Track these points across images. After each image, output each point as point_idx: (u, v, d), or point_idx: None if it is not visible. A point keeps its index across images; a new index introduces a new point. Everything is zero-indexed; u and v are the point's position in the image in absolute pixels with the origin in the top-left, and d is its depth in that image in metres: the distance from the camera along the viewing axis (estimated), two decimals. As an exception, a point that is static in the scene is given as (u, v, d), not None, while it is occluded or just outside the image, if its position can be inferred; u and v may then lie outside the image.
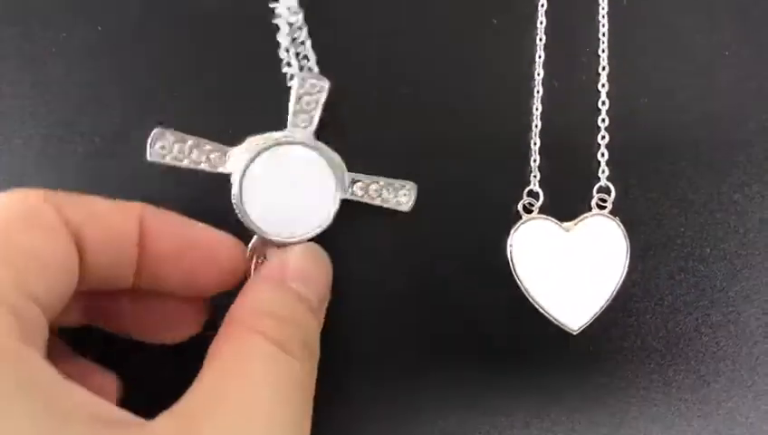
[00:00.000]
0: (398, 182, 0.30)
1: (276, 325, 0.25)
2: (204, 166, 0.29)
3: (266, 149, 0.29)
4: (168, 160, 0.28)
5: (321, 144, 0.29)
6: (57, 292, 0.23)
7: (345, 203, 0.29)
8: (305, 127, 0.29)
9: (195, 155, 0.29)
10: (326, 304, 0.28)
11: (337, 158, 0.29)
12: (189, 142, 0.29)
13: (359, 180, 0.30)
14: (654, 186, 0.31)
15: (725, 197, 0.32)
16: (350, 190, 0.30)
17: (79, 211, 0.24)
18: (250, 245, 0.29)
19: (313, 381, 0.25)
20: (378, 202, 0.30)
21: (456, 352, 0.31)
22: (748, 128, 0.32)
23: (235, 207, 0.28)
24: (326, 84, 0.29)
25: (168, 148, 0.28)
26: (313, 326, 0.27)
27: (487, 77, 0.32)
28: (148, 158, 0.28)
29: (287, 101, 0.29)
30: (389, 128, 0.31)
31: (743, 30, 0.32)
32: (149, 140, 0.28)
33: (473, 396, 0.31)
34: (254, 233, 0.29)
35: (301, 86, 0.29)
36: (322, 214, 0.29)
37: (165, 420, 0.21)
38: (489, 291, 0.31)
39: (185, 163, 0.29)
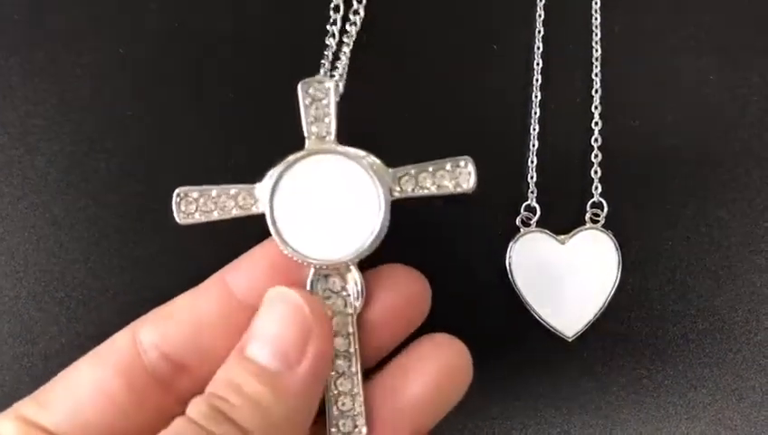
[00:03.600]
0: (449, 161, 0.25)
1: (206, 410, 0.22)
2: (235, 212, 0.26)
3: (287, 169, 0.25)
4: (198, 218, 0.26)
5: (348, 148, 0.26)
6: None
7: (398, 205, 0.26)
8: (325, 137, 0.26)
9: (222, 204, 0.26)
10: (307, 364, 0.23)
11: (372, 158, 0.26)
12: (214, 192, 0.26)
13: (403, 174, 0.26)
14: (644, 202, 0.33)
15: (711, 212, 0.33)
16: (396, 189, 0.25)
17: (153, 332, 0.26)
18: (308, 280, 0.26)
19: None
20: (434, 191, 0.25)
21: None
22: (732, 148, 0.33)
23: (275, 239, 0.25)
24: (330, 84, 0.26)
25: (194, 205, 0.26)
26: (266, 397, 0.22)
27: (488, 99, 0.33)
28: (179, 221, 0.26)
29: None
30: (392, 150, 0.33)
31: (727, 56, 0.33)
32: (174, 203, 0.26)
33: (470, 400, 0.32)
34: (303, 263, 0.26)
35: (305, 93, 0.26)
36: (373, 223, 0.25)
37: None
38: (489, 300, 0.33)
39: (216, 215, 0.26)
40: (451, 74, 0.33)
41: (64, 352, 0.32)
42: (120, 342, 0.26)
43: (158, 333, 0.26)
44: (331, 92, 0.26)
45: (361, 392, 0.26)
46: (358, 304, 0.26)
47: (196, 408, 0.23)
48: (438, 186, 0.25)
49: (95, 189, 0.33)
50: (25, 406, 0.25)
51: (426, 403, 0.25)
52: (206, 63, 0.33)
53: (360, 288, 0.26)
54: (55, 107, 0.33)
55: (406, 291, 0.26)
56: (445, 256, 0.32)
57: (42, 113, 0.33)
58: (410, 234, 0.31)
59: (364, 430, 0.26)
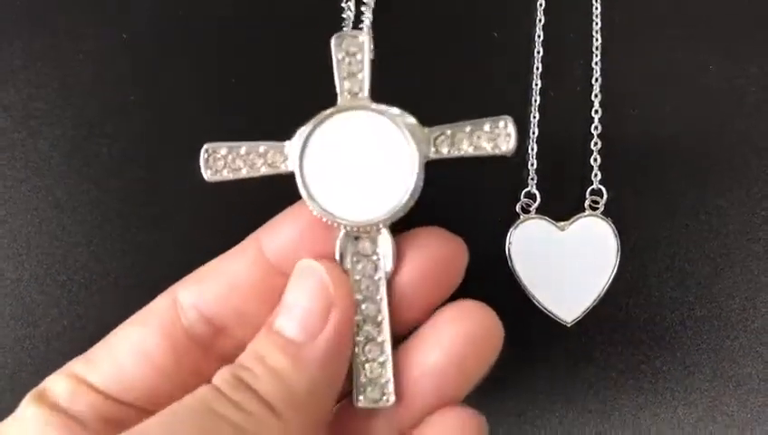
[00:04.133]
0: (488, 121, 0.24)
1: (229, 378, 0.23)
2: (264, 169, 0.25)
3: (318, 126, 0.24)
4: (226, 175, 0.25)
5: (383, 106, 0.24)
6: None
7: (433, 166, 0.25)
8: (358, 93, 0.25)
9: (251, 161, 0.25)
10: (326, 335, 0.23)
11: (408, 117, 0.24)
12: (243, 149, 0.25)
13: (439, 134, 0.24)
14: (643, 189, 0.33)
15: (709, 200, 0.33)
16: (432, 150, 0.24)
17: (192, 293, 0.26)
18: (337, 244, 0.25)
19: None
20: (471, 153, 0.24)
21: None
22: (730, 137, 0.33)
23: (304, 198, 0.24)
24: (364, 38, 0.25)
25: (222, 161, 0.25)
26: (287, 368, 0.23)
27: (488, 87, 0.33)
28: (207, 178, 0.25)
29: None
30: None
31: (725, 47, 0.34)
32: (202, 160, 0.25)
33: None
34: (333, 224, 0.24)
35: (338, 48, 0.25)
36: (407, 182, 0.24)
37: None
38: (488, 286, 0.33)
39: (244, 172, 0.25)
40: (451, 61, 0.34)
41: (66, 334, 0.33)
42: (160, 303, 0.26)
43: (196, 294, 0.26)
44: (366, 47, 0.25)
45: (390, 360, 0.25)
46: (388, 268, 0.25)
47: (221, 376, 0.23)
48: (476, 147, 0.24)
49: (97, 174, 0.33)
50: (76, 364, 0.25)
51: (449, 372, 0.25)
52: (209, 49, 0.33)
53: (391, 251, 0.25)
54: (57, 91, 0.33)
55: (438, 252, 0.25)
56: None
57: (44, 97, 0.33)
58: (409, 221, 0.31)
59: (392, 398, 0.25)
